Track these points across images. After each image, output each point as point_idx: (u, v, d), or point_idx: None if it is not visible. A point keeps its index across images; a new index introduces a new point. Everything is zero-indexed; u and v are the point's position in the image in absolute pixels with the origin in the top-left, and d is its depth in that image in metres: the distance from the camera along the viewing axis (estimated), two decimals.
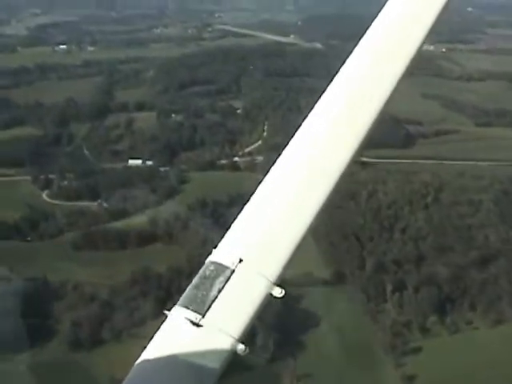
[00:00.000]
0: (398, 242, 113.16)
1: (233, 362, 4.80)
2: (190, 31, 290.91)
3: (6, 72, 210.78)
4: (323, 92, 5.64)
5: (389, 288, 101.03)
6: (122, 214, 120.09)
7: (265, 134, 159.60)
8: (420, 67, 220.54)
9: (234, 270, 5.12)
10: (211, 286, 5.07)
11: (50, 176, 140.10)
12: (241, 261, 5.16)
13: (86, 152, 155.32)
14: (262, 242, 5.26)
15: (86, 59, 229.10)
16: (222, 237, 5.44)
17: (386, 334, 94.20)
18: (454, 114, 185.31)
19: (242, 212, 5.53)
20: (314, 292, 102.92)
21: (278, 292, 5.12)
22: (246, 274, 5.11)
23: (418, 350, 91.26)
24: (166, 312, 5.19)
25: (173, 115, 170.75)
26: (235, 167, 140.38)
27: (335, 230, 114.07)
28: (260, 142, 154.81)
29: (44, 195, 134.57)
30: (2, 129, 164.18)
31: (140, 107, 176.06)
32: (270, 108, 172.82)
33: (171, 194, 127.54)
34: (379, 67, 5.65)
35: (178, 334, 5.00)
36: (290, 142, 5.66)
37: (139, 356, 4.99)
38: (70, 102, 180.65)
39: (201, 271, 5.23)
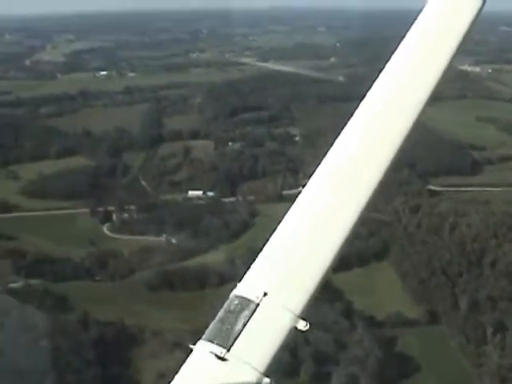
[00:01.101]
0: (489, 278, 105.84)
1: None
2: (227, 55, 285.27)
3: (48, 99, 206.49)
4: (354, 111, 5.55)
5: (489, 329, 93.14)
6: (195, 250, 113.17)
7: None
8: (469, 89, 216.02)
9: (258, 304, 5.00)
10: (236, 319, 4.94)
11: (109, 208, 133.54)
12: (265, 294, 5.04)
13: (143, 183, 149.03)
14: (287, 275, 5.12)
15: (128, 86, 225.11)
16: (247, 271, 5.27)
17: (493, 379, 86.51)
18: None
19: (267, 245, 5.35)
20: (407, 334, 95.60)
21: (302, 325, 4.96)
22: (271, 307, 4.98)
23: None
24: (192, 346, 5.04)
25: (230, 143, 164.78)
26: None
27: (422, 266, 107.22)
28: None
29: (105, 229, 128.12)
30: (54, 158, 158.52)
31: (194, 135, 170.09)
32: (329, 134, 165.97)
33: (244, 228, 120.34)
34: (410, 83, 5.55)
35: (203, 368, 4.88)
36: (315, 171, 5.57)
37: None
38: (120, 130, 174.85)
39: (225, 305, 5.11)
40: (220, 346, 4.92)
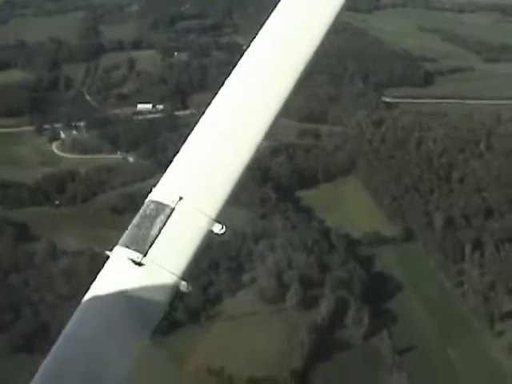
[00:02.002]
0: (460, 194, 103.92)
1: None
2: None
3: None
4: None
5: (467, 246, 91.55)
6: (154, 169, 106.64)
7: None
8: None
9: (174, 208, 4.96)
10: (152, 224, 4.90)
11: (56, 126, 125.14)
12: (180, 198, 5.00)
13: (88, 97, 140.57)
14: (201, 179, 5.14)
15: None
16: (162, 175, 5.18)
17: (476, 298, 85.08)
18: (458, 48, 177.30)
19: (181, 151, 5.27)
20: (385, 252, 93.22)
21: (218, 228, 5.02)
22: (186, 211, 4.96)
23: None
24: (108, 252, 5.00)
25: (175, 54, 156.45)
26: None
27: (392, 182, 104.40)
28: None
29: (54, 148, 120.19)
30: None
31: (136, 45, 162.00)
32: None
33: None
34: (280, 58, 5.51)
35: (120, 274, 4.84)
36: (226, 82, 5.42)
37: (83, 297, 4.82)
38: (55, 40, 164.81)
39: (141, 210, 5.03)
40: (136, 251, 4.83)
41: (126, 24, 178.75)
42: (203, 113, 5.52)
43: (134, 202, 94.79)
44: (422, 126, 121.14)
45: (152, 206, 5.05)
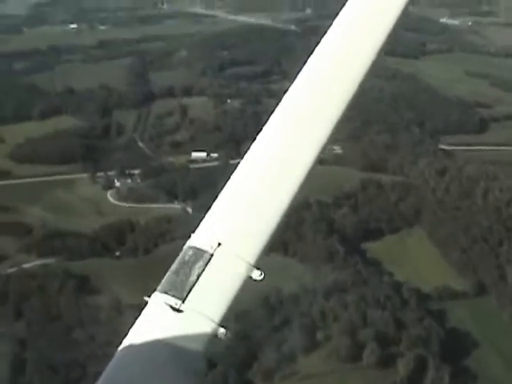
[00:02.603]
0: None
1: None
2: (198, 6, 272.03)
3: (19, 55, 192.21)
4: (287, 89, 5.58)
5: None
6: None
7: None
8: (452, 42, 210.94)
9: (212, 254, 4.93)
10: (190, 270, 4.89)
11: (110, 173, 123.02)
12: (219, 245, 4.96)
13: (140, 144, 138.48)
14: (241, 225, 5.08)
15: (101, 39, 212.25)
16: (201, 221, 5.20)
17: None
18: (509, 94, 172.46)
19: (220, 196, 5.28)
20: (457, 307, 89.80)
21: (257, 275, 4.93)
22: (225, 257, 4.92)
23: None
24: (146, 298, 4.99)
25: (228, 101, 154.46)
26: (319, 160, 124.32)
27: (459, 234, 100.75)
28: None
29: (109, 196, 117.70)
30: (38, 119, 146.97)
31: (187, 92, 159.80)
32: None
33: None
34: (347, 59, 5.52)
35: (158, 320, 4.83)
36: (268, 122, 5.53)
37: (121, 343, 4.79)
38: (104, 87, 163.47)
39: (180, 256, 5.02)
40: (175, 297, 4.81)
41: (175, 70, 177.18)
42: (242, 157, 5.35)
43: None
44: (488, 174, 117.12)
45: (191, 252, 4.99)
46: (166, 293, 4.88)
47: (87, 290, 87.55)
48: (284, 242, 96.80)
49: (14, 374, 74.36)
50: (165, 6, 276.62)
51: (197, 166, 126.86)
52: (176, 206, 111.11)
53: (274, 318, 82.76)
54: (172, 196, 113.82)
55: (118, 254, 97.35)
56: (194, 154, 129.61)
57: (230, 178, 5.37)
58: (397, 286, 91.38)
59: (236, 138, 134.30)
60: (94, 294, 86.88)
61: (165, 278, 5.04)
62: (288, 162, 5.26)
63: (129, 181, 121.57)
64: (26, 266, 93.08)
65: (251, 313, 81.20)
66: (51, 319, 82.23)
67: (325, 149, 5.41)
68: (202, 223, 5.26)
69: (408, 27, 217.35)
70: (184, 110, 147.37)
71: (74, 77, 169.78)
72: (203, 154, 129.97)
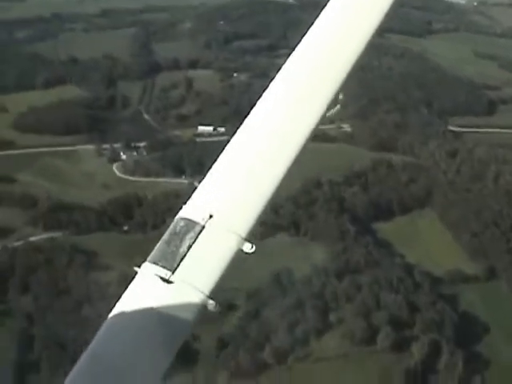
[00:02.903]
0: None
1: None
2: None
3: (22, 23, 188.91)
4: (273, 79, 5.56)
5: None
6: None
7: (340, 96, 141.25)
8: (458, 22, 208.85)
9: (204, 226, 4.96)
10: (181, 242, 4.91)
11: (115, 146, 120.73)
12: (211, 217, 5.00)
13: (146, 116, 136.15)
14: (232, 198, 5.12)
15: (104, 8, 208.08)
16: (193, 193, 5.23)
17: None
18: None
19: (213, 168, 5.30)
20: (467, 291, 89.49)
21: (248, 247, 4.99)
22: (216, 229, 4.96)
23: None
24: (136, 268, 5.00)
25: (234, 74, 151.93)
26: (325, 137, 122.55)
27: (471, 217, 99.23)
28: (338, 107, 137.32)
29: (115, 169, 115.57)
30: (41, 88, 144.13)
31: (192, 64, 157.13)
32: None
33: None
34: (343, 36, 5.58)
35: (148, 291, 4.84)
36: (259, 100, 5.52)
37: (110, 312, 4.81)
38: (108, 57, 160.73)
39: (171, 227, 5.04)
40: (165, 268, 4.81)
41: (178, 42, 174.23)
42: (235, 131, 5.38)
43: None
44: (498, 157, 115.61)
45: (182, 223, 4.98)
46: (156, 263, 4.85)
47: (95, 264, 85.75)
48: (295, 220, 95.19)
49: (22, 350, 72.71)
50: None
51: (203, 139, 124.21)
52: (183, 180, 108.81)
53: (286, 298, 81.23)
54: (179, 170, 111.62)
55: (125, 228, 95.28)
56: (201, 128, 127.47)
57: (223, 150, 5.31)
58: (409, 269, 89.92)
59: (243, 112, 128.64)
60: (101, 269, 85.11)
61: (155, 248, 4.99)
62: (282, 136, 5.26)
63: (135, 154, 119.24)
64: (32, 239, 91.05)
65: (263, 292, 79.93)
66: (59, 294, 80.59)
67: (318, 125, 5.31)
68: (194, 194, 5.21)
69: (413, 5, 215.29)
70: (189, 83, 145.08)
71: (77, 46, 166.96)
72: (210, 128, 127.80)
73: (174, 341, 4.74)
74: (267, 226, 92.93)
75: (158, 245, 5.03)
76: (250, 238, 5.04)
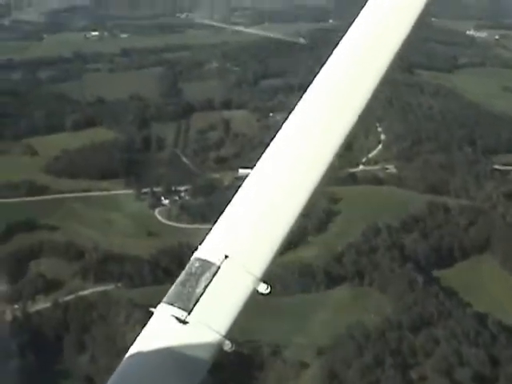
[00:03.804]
0: None
1: None
2: (215, 16, 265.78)
3: (42, 62, 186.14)
4: (303, 94, 5.56)
5: None
6: None
7: (382, 136, 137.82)
8: (482, 56, 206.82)
9: (219, 267, 4.98)
10: (197, 282, 4.92)
11: (155, 190, 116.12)
12: (226, 257, 5.01)
13: (184, 159, 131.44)
14: (248, 238, 5.13)
15: (124, 47, 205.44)
16: (208, 233, 5.20)
17: None
18: None
19: (228, 208, 5.36)
20: None
21: (263, 288, 4.98)
22: (232, 270, 4.96)
23: None
24: (152, 309, 5.06)
25: (271, 114, 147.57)
26: (375, 180, 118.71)
27: None
28: (380, 147, 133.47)
29: (158, 215, 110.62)
30: (71, 130, 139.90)
31: (226, 105, 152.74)
32: (376, 105, 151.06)
33: (327, 216, 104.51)
34: (360, 68, 5.53)
35: (164, 331, 4.85)
36: (275, 138, 5.60)
37: (126, 352, 4.84)
38: (136, 97, 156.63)
39: (186, 268, 5.09)
40: (181, 308, 4.84)
41: (206, 81, 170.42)
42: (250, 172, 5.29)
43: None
44: None
45: (197, 263, 5.04)
46: (172, 304, 4.88)
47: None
48: (358, 270, 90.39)
49: None
50: (184, 15, 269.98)
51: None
52: None
53: (361, 354, 76.04)
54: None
55: None
56: (242, 171, 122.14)
57: (238, 190, 5.27)
58: (481, 319, 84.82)
59: None
60: None
61: (171, 289, 5.04)
62: (296, 176, 5.23)
63: (176, 198, 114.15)
64: (84, 293, 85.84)
65: (335, 348, 75.06)
66: (118, 354, 74.77)
67: (334, 164, 5.21)
68: (209, 235, 5.20)
69: (437, 40, 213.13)
70: (227, 124, 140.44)
71: (102, 86, 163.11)
72: (251, 171, 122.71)
73: (190, 381, 4.65)
74: (330, 277, 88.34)
75: (173, 285, 5.03)
76: (266, 278, 4.93)
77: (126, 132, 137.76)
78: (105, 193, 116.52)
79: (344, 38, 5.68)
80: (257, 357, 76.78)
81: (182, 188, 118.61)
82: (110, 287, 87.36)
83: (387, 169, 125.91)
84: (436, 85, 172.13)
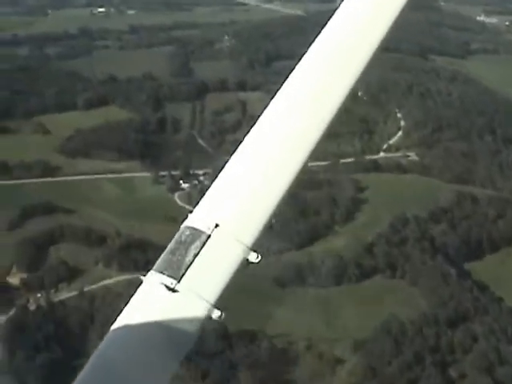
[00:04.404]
0: None
1: None
2: None
3: (49, 38, 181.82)
4: (281, 87, 5.51)
5: None
6: (306, 234, 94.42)
7: (402, 123, 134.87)
8: (494, 42, 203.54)
9: (209, 235, 4.89)
10: (187, 251, 4.83)
11: (173, 173, 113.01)
12: (217, 226, 4.91)
13: (200, 142, 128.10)
14: (239, 207, 5.04)
15: (132, 24, 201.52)
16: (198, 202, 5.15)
17: None
18: None
19: (219, 177, 5.27)
20: None
21: (254, 257, 4.88)
22: (222, 239, 4.90)
23: None
24: (141, 277, 4.93)
25: None
26: (398, 167, 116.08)
27: None
28: (401, 134, 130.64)
29: (178, 200, 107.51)
30: (83, 108, 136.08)
31: (241, 86, 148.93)
32: (394, 91, 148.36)
33: (354, 205, 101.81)
34: (338, 62, 5.46)
35: (153, 300, 4.78)
36: (266, 110, 5.44)
37: (114, 321, 4.72)
38: (149, 76, 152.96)
39: (176, 236, 4.97)
40: (170, 277, 4.74)
41: (219, 61, 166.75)
42: (242, 140, 5.29)
43: (297, 273, 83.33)
44: None
45: (187, 232, 4.92)
46: (161, 272, 4.73)
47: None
48: (390, 261, 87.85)
49: None
50: None
51: None
52: None
53: (399, 350, 73.66)
54: None
55: None
56: None
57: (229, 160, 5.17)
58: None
59: None
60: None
61: (161, 257, 4.86)
62: (288, 146, 5.12)
63: (196, 182, 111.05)
64: (108, 281, 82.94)
65: (374, 344, 72.64)
66: None
67: (325, 135, 5.16)
68: (199, 203, 5.09)
69: (448, 24, 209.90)
70: (244, 106, 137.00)
71: (112, 64, 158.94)
72: None
73: (178, 350, 4.60)
74: (362, 268, 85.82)
75: (163, 253, 4.87)
76: (256, 247, 4.84)
77: (140, 112, 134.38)
78: (121, 175, 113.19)
79: (330, 20, 5.52)
80: (291, 351, 74.28)
81: (201, 172, 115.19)
82: (134, 276, 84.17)
83: (408, 156, 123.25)
84: (452, 71, 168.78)
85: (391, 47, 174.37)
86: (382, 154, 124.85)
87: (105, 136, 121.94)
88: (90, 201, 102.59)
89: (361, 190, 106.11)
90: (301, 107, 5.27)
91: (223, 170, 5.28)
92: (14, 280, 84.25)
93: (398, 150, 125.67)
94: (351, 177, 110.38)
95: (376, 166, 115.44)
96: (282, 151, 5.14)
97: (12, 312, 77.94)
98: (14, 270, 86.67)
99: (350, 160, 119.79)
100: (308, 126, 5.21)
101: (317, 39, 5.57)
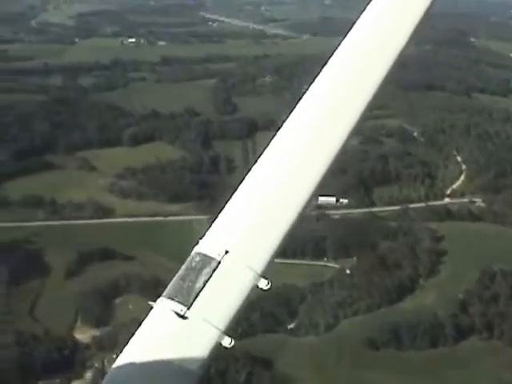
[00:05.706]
0: None
1: None
2: (250, 27, 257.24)
3: (81, 68, 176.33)
4: (305, 92, 5.47)
5: None
6: (393, 288, 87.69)
7: (463, 166, 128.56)
8: None
9: (220, 262, 4.90)
10: (197, 277, 4.85)
11: None
12: (227, 252, 4.93)
13: None
14: (249, 233, 5.04)
15: (164, 56, 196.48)
16: (209, 228, 5.11)
17: None
18: None
19: (229, 203, 5.28)
20: None
21: (264, 284, 4.90)
22: (232, 265, 4.89)
23: None
24: (151, 303, 4.95)
25: None
26: (469, 215, 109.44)
27: None
28: (463, 178, 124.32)
29: None
30: (128, 144, 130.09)
31: None
32: (450, 132, 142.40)
33: (435, 256, 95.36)
34: (364, 65, 5.45)
35: (163, 326, 4.78)
36: (276, 136, 5.45)
37: (124, 346, 4.71)
38: (191, 112, 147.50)
39: (187, 262, 5.01)
40: (180, 303, 4.76)
41: (261, 97, 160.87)
42: (250, 169, 5.24)
43: (393, 336, 76.45)
44: None
45: (198, 258, 4.95)
46: (171, 298, 4.77)
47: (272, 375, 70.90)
48: (485, 321, 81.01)
49: None
50: (216, 24, 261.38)
51: (326, 212, 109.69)
52: (326, 263, 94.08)
53: None
54: (317, 251, 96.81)
55: (290, 327, 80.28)
56: (322, 199, 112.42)
57: (239, 185, 5.17)
58: None
59: (364, 182, 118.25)
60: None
61: (171, 283, 4.89)
62: (297, 173, 5.12)
63: None
64: None
65: None
66: None
67: (335, 164, 5.12)
68: (209, 229, 5.13)
69: (486, 62, 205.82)
70: None
71: (151, 97, 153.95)
72: (332, 199, 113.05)
73: (188, 376, 4.54)
74: (458, 328, 78.93)
75: (173, 279, 4.86)
76: (266, 274, 4.80)
77: (190, 150, 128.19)
78: (177, 217, 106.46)
79: (347, 36, 5.49)
80: None
81: None
82: None
83: (475, 202, 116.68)
84: (503, 110, 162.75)
85: (437, 85, 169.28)
86: (447, 200, 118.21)
87: (157, 175, 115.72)
88: (148, 246, 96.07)
89: (437, 239, 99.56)
90: (312, 132, 5.15)
91: (233, 196, 5.15)
92: (83, 337, 76.65)
93: (462, 195, 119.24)
94: (425, 225, 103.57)
95: (447, 213, 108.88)
96: (292, 177, 5.04)
97: (88, 375, 70.41)
98: (79, 323, 79.39)
99: (416, 205, 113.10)
100: (318, 151, 5.09)
101: (335, 52, 5.43)
